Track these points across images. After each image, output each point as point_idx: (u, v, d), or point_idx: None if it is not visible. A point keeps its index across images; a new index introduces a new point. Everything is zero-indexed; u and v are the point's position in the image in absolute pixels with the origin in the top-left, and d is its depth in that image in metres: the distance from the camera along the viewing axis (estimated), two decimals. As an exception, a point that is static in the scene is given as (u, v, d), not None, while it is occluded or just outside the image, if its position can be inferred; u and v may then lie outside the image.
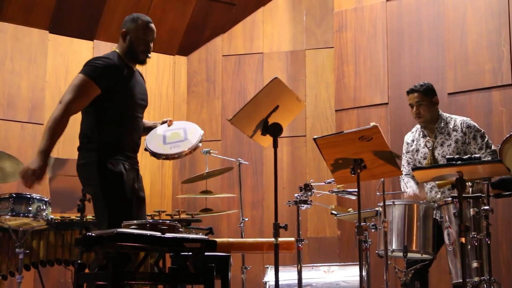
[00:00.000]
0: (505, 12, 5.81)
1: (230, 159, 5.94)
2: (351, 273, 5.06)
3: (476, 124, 4.84)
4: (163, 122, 4.12)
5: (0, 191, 5.20)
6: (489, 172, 4.02)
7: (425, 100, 4.86)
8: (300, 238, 4.56)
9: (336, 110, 6.72)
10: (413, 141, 4.99)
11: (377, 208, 4.55)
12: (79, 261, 3.82)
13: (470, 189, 4.34)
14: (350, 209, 4.97)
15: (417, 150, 4.92)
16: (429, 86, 4.92)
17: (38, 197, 4.82)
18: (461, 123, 4.82)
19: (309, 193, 4.57)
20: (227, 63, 7.44)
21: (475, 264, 4.10)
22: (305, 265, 4.95)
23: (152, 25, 3.94)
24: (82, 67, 3.77)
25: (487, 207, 4.12)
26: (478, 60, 5.90)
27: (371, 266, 4.75)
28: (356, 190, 4.02)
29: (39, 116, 6.60)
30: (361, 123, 6.33)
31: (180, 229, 3.32)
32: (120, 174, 3.70)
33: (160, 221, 4.36)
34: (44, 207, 4.83)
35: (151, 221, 3.61)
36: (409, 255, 4.48)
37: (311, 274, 5.14)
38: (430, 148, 4.73)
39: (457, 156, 4.25)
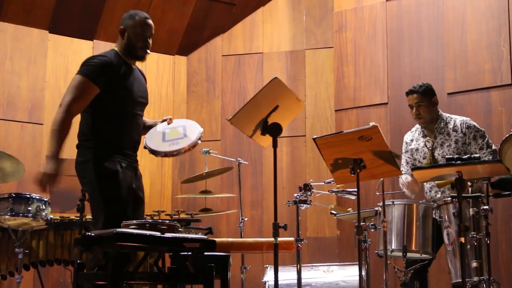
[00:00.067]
0: (505, 12, 5.81)
1: (229, 159, 5.94)
2: (351, 273, 5.06)
3: (476, 124, 4.83)
4: (164, 120, 4.12)
5: (0, 191, 5.19)
6: (489, 172, 4.02)
7: (425, 101, 4.85)
8: (300, 238, 4.56)
9: (335, 110, 6.71)
10: (412, 140, 4.99)
11: (376, 208, 4.55)
12: (78, 261, 3.81)
13: (470, 188, 4.35)
14: (350, 209, 4.98)
15: (417, 150, 4.91)
16: (428, 86, 4.91)
17: (37, 197, 4.82)
18: (461, 124, 4.82)
19: (309, 193, 4.58)
20: (227, 63, 7.43)
21: (474, 264, 4.10)
22: (304, 265, 4.95)
23: (150, 21, 3.93)
24: (79, 68, 3.77)
25: (487, 207, 4.11)
26: (478, 60, 5.90)
27: (370, 266, 4.76)
28: (356, 190, 4.02)
29: (39, 116, 6.58)
30: (360, 123, 6.32)
31: (180, 229, 3.32)
32: (116, 172, 3.71)
33: (160, 221, 4.35)
34: (44, 207, 4.82)
35: (150, 221, 3.61)
36: (409, 255, 4.48)
37: (310, 274, 5.14)
38: (430, 148, 4.72)
39: (457, 156, 4.25)
